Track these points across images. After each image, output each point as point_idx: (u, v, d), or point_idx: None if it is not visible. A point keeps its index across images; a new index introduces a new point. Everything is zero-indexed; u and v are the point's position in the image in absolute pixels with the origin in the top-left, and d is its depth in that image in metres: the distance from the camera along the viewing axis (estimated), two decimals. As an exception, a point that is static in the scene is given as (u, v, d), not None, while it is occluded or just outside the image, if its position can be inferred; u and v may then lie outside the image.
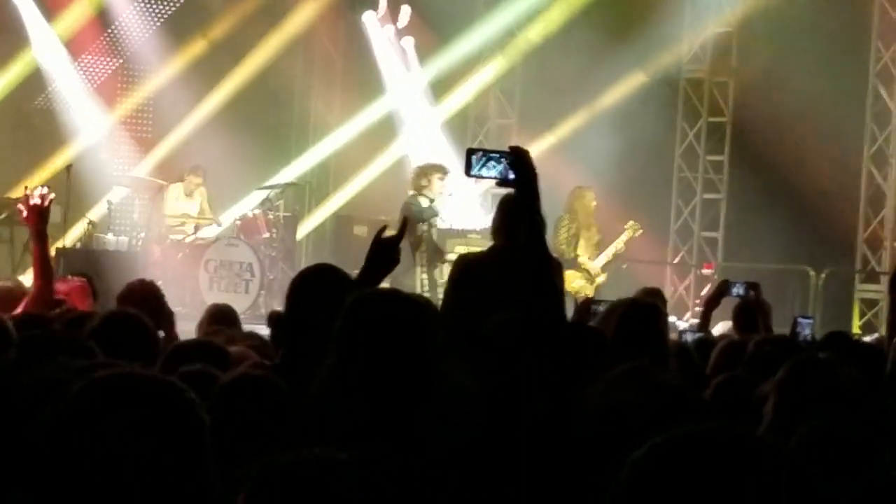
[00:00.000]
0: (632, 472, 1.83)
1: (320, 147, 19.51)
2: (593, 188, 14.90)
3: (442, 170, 13.55)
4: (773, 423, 4.09)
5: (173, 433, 2.22)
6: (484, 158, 4.46)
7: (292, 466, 2.08)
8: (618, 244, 14.94)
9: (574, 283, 14.07)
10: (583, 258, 14.35)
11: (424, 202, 13.28)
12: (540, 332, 4.31)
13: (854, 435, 3.67)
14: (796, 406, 4.08)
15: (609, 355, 4.69)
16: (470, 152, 4.50)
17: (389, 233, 4.71)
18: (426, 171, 13.44)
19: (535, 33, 18.91)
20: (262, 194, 16.39)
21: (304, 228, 19.12)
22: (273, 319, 4.78)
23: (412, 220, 13.07)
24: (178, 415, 2.24)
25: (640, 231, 15.41)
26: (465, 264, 5.75)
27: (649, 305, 5.64)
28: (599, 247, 14.74)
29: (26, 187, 6.51)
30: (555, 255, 14.20)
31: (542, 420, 3.79)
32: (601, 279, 14.52)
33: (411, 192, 13.42)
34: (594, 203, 14.60)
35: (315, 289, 4.49)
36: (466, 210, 16.50)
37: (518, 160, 4.41)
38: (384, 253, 4.68)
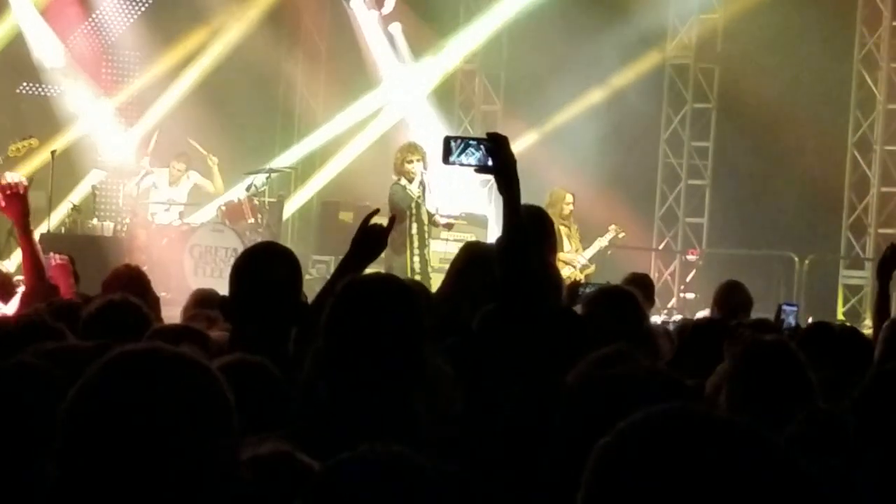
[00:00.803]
0: (599, 457, 1.82)
1: (306, 134, 19.48)
2: (572, 188, 14.99)
3: (418, 150, 13.56)
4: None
5: (200, 410, 2.20)
6: (462, 145, 4.46)
7: (359, 462, 2.09)
8: (602, 241, 15.11)
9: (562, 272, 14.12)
10: (563, 254, 14.38)
11: (408, 186, 13.28)
12: (518, 320, 4.31)
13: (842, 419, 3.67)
14: (749, 392, 4.05)
15: (588, 341, 4.72)
16: (448, 140, 4.51)
17: (378, 220, 4.72)
18: (403, 154, 13.45)
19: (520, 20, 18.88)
20: (248, 180, 16.36)
21: (289, 213, 19.09)
22: (222, 304, 4.78)
23: (399, 207, 13.08)
24: (204, 391, 2.22)
25: (623, 235, 15.59)
26: (472, 254, 5.72)
27: (623, 292, 5.67)
28: (583, 241, 14.90)
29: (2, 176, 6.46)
30: None
31: (521, 404, 3.80)
32: (590, 270, 14.63)
33: (395, 177, 13.43)
34: (570, 207, 14.77)
35: (258, 266, 4.48)
36: (446, 195, 16.57)
37: (496, 147, 4.41)
38: (371, 240, 4.69)
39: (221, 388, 2.24)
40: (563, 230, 14.50)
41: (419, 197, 13.32)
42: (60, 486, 2.19)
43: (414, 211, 13.26)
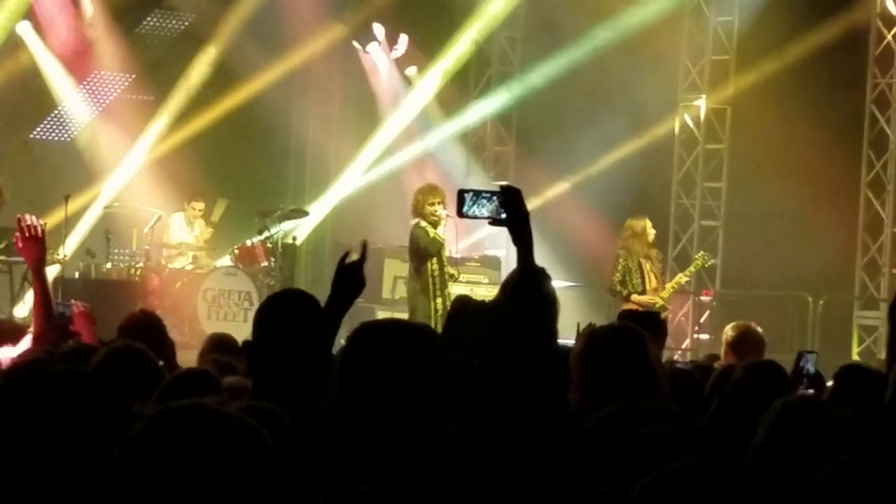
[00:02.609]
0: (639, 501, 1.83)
1: (318, 177, 19.54)
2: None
3: (439, 192, 13.48)
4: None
5: (244, 468, 2.18)
6: (475, 198, 4.52)
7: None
8: (683, 278, 14.73)
9: None
10: (639, 297, 13.92)
11: (430, 229, 13.20)
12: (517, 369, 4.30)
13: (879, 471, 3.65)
14: (784, 448, 4.04)
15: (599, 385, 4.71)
16: (462, 192, 4.57)
17: (352, 258, 4.75)
18: (425, 196, 13.36)
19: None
20: (261, 223, 16.39)
21: (302, 257, 19.14)
22: (245, 348, 4.79)
23: (427, 250, 13.03)
24: (249, 449, 2.21)
25: (711, 261, 15.36)
26: (460, 307, 5.83)
27: (631, 332, 5.65)
28: (664, 275, 14.55)
29: (20, 217, 6.45)
30: (611, 294, 14.14)
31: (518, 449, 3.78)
32: (666, 313, 14.02)
33: (414, 220, 13.36)
34: (651, 232, 14.19)
35: (282, 315, 4.50)
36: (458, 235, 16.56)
37: (509, 199, 4.45)
38: (348, 279, 4.70)
39: (266, 445, 2.23)
40: (646, 265, 14.09)
41: (440, 247, 13.26)
42: None
43: (435, 258, 13.22)
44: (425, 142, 19.39)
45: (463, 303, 6.10)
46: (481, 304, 6.13)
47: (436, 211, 13.15)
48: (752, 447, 4.23)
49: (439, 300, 13.13)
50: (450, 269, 13.46)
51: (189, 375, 5.05)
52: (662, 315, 13.32)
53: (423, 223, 13.19)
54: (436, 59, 19.34)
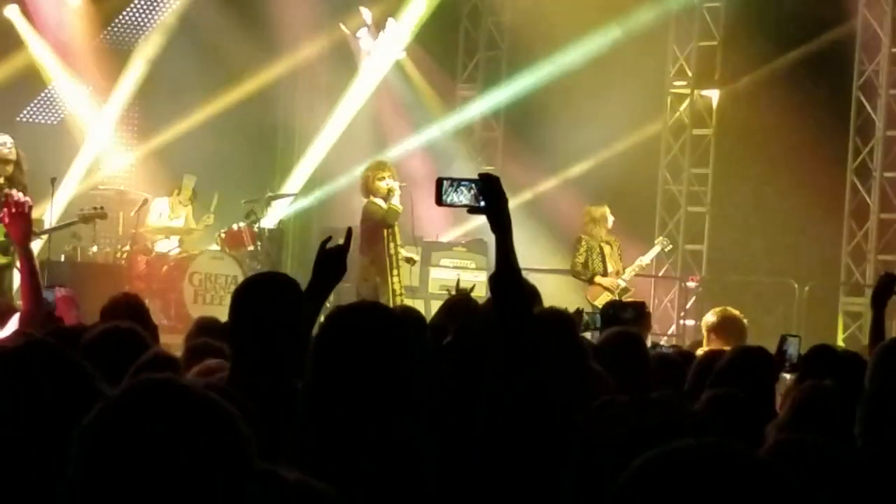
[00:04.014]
0: (623, 488, 1.82)
1: (307, 159, 19.49)
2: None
3: (387, 167, 13.48)
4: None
5: (213, 444, 2.16)
6: (454, 186, 4.52)
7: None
8: (644, 260, 15.07)
9: (598, 300, 14.01)
10: (602, 279, 14.36)
11: (383, 204, 13.17)
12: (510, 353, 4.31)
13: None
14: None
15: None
16: (440, 181, 4.56)
17: (336, 243, 4.77)
18: (373, 172, 13.34)
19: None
20: (249, 207, 16.36)
21: (289, 241, 19.11)
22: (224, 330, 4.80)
23: (385, 223, 13.01)
24: (217, 425, 2.19)
25: (671, 247, 15.63)
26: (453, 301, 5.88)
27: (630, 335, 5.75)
28: (623, 259, 14.82)
29: (7, 194, 6.43)
30: (573, 276, 14.51)
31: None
32: (629, 294, 14.37)
33: (365, 200, 13.34)
34: (610, 217, 14.69)
35: (259, 297, 4.50)
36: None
37: (488, 187, 4.45)
38: (330, 264, 4.73)
39: (234, 421, 2.22)
40: (606, 249, 14.49)
41: (394, 219, 13.23)
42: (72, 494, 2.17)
43: (391, 231, 13.19)
44: (414, 129, 19.37)
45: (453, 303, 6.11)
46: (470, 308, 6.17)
47: (386, 185, 13.13)
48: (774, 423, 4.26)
49: (396, 278, 13.13)
50: (406, 254, 13.50)
51: (155, 360, 5.03)
52: (627, 295, 13.75)
53: (376, 199, 13.17)
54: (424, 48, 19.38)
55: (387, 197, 13.12)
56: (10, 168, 12.96)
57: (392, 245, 13.14)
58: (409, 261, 13.70)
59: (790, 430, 4.17)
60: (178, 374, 4.82)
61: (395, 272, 13.14)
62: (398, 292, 13.03)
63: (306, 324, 4.45)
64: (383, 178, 13.17)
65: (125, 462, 2.13)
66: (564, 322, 5.19)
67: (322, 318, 3.87)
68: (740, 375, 5.51)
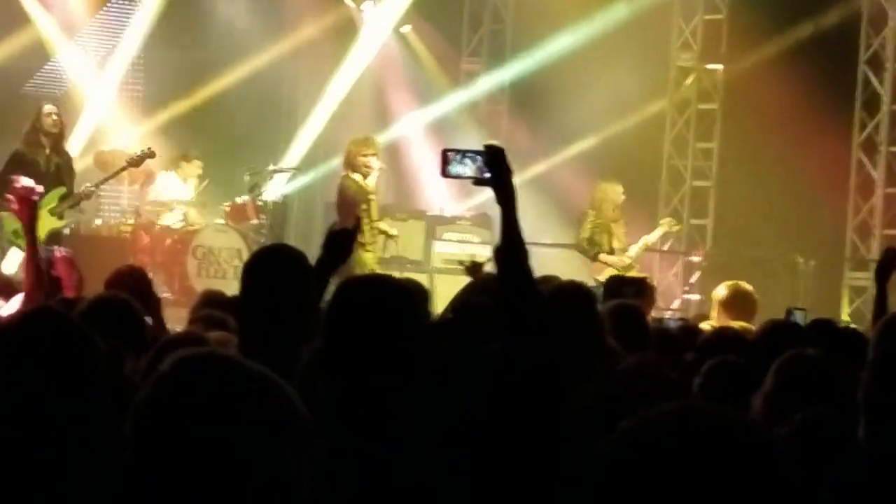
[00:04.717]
0: (603, 457, 1.80)
1: (305, 132, 19.44)
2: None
3: (373, 144, 13.47)
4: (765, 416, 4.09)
5: (260, 418, 2.14)
6: (460, 157, 4.50)
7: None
8: (650, 238, 14.95)
9: (601, 274, 13.99)
10: (606, 257, 14.27)
11: (361, 181, 13.16)
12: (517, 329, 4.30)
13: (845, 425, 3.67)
14: (788, 402, 4.07)
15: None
16: (445, 152, 4.56)
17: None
18: (358, 148, 13.33)
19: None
20: (253, 180, 16.33)
21: (293, 215, 19.10)
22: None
23: (354, 201, 12.99)
24: (278, 397, 2.17)
25: (678, 227, 15.53)
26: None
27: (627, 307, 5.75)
28: (628, 236, 14.75)
29: (12, 179, 6.49)
30: (578, 251, 14.52)
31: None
32: (633, 270, 14.25)
33: (344, 173, 13.34)
34: (622, 197, 14.56)
35: (268, 269, 4.54)
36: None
37: (493, 158, 4.44)
38: (340, 242, 4.98)
39: (286, 395, 2.20)
40: (613, 228, 14.39)
41: (372, 193, 13.24)
42: (131, 473, 2.14)
43: (366, 207, 13.16)
44: (418, 103, 19.33)
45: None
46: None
47: (368, 162, 13.13)
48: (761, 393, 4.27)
49: (369, 255, 13.13)
50: (383, 226, 13.51)
51: (182, 339, 5.05)
52: (631, 272, 13.74)
53: (354, 174, 13.17)
54: (430, 21, 19.33)
55: (365, 174, 13.13)
56: (56, 137, 13.28)
57: (365, 220, 13.10)
58: (386, 233, 13.72)
59: (776, 399, 4.17)
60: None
61: (368, 248, 13.10)
62: (370, 267, 12.98)
63: (314, 295, 4.48)
64: (366, 155, 13.17)
65: (198, 436, 2.11)
66: (582, 296, 5.17)
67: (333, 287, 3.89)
68: (773, 351, 5.52)
